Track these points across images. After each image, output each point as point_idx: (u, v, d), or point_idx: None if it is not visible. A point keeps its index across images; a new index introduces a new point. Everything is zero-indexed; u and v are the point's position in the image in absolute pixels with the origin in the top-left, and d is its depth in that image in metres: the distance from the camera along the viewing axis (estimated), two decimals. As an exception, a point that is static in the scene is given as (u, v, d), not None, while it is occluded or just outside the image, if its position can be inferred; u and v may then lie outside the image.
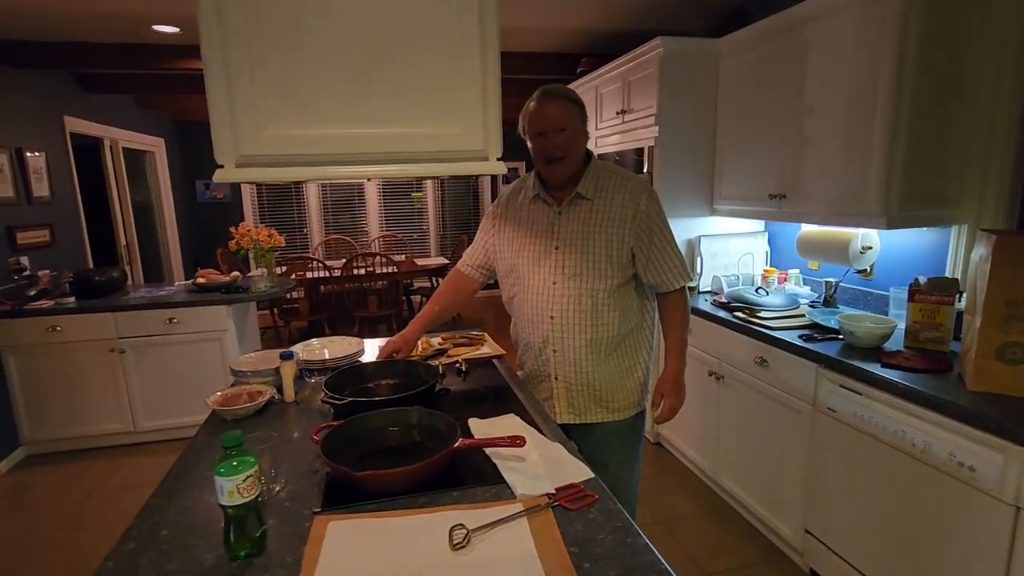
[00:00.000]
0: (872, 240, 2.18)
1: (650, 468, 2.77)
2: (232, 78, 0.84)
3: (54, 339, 3.05)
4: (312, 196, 6.59)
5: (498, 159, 0.98)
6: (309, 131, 0.88)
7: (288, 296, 4.89)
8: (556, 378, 1.55)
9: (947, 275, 1.97)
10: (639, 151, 2.87)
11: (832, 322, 2.02)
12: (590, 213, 1.48)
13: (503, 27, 3.32)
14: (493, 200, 6.73)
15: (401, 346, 1.66)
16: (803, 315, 2.18)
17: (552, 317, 1.51)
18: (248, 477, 0.87)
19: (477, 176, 1.07)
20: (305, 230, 6.65)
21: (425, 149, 0.93)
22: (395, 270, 4.88)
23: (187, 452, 1.27)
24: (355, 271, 4.81)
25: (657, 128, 2.67)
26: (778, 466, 2.07)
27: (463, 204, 6.98)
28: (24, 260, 3.26)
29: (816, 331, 2.02)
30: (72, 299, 3.18)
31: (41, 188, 3.49)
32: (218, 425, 1.41)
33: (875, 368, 1.67)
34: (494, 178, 6.78)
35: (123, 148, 4.76)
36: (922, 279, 1.79)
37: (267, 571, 0.85)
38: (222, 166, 0.86)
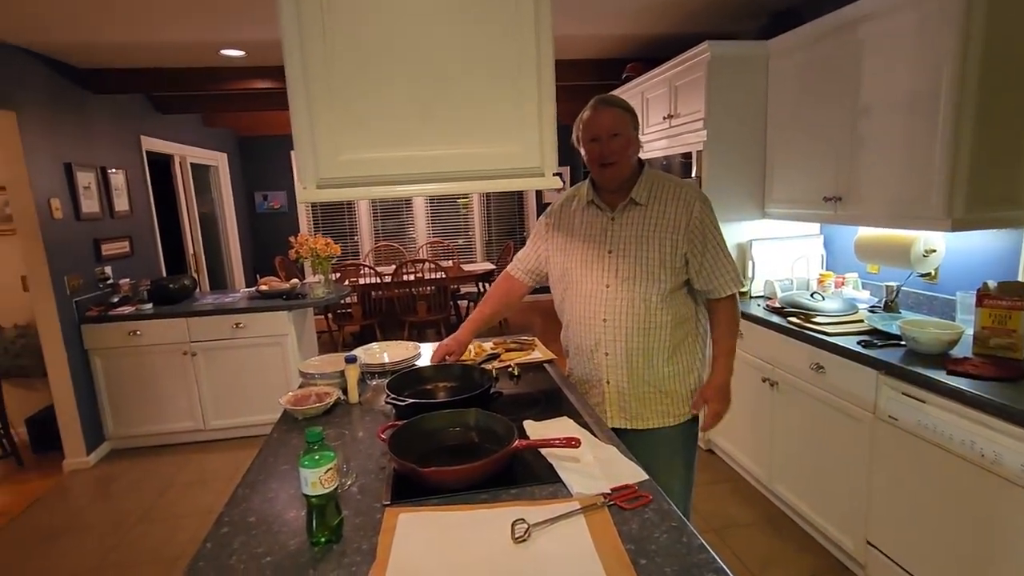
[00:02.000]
0: (936, 243, 2.10)
1: (701, 475, 2.75)
2: (313, 111, 0.93)
3: (134, 343, 3.30)
4: (363, 204, 6.82)
5: (554, 174, 1.03)
6: (380, 154, 0.96)
7: (342, 302, 5.10)
8: (608, 382, 1.58)
9: (1020, 279, 1.88)
10: (687, 155, 2.86)
11: (893, 328, 1.96)
12: (644, 219, 1.51)
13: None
14: (538, 206, 6.81)
15: (454, 348, 1.73)
16: (862, 320, 2.12)
17: (604, 320, 1.54)
18: (329, 469, 0.94)
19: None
20: (356, 237, 6.89)
21: (485, 167, 0.99)
22: (443, 276, 5.00)
23: (264, 448, 1.37)
24: (404, 277, 4.96)
25: (705, 132, 2.66)
26: (837, 475, 2.03)
27: (509, 210, 7.07)
28: (108, 270, 3.54)
29: (876, 337, 1.97)
30: (149, 305, 3.43)
31: (122, 203, 3.79)
32: (290, 423, 1.51)
33: (941, 375, 1.61)
34: (538, 184, 6.84)
35: (191, 163, 5.10)
36: (991, 283, 1.72)
37: (345, 556, 0.93)
38: (305, 188, 0.96)
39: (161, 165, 4.76)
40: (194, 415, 3.44)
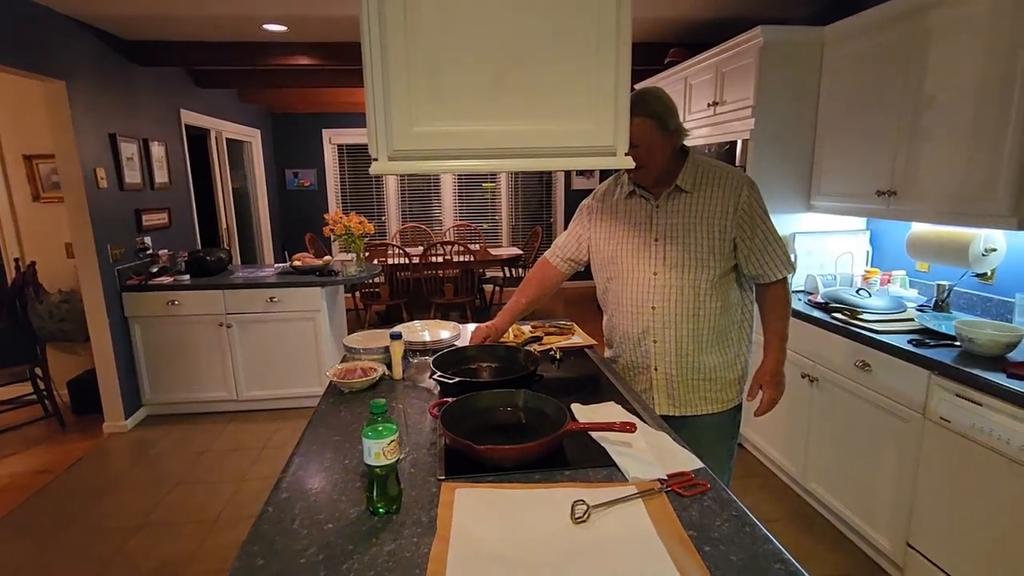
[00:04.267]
0: (996, 241, 2.02)
1: (730, 468, 2.72)
2: (389, 81, 0.91)
3: (172, 312, 3.37)
4: (391, 185, 6.84)
5: (625, 154, 1.01)
6: (454, 127, 0.94)
7: (370, 281, 5.13)
8: (656, 369, 1.57)
9: (1085, 282, 1.81)
10: (730, 144, 2.80)
11: (946, 328, 1.91)
12: (690, 205, 1.50)
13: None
14: (566, 192, 6.71)
15: (490, 334, 1.74)
16: (912, 319, 2.06)
17: (653, 308, 1.53)
18: (391, 441, 0.95)
19: (600, 168, 1.11)
20: (383, 218, 6.92)
21: (557, 144, 0.98)
22: (471, 259, 5.00)
23: (314, 419, 1.39)
24: (432, 258, 4.97)
25: (753, 120, 2.59)
26: (878, 474, 1.99)
27: (535, 196, 7.02)
28: (148, 240, 3.61)
29: (928, 336, 1.91)
30: (187, 277, 3.49)
31: (162, 175, 3.85)
32: (336, 396, 1.53)
33: (1000, 378, 1.56)
34: (568, 172, 6.78)
35: (226, 139, 5.15)
36: (1057, 285, 1.65)
37: (405, 527, 0.94)
38: (376, 159, 0.95)
39: (198, 140, 4.82)
40: (228, 386, 3.51)
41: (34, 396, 3.39)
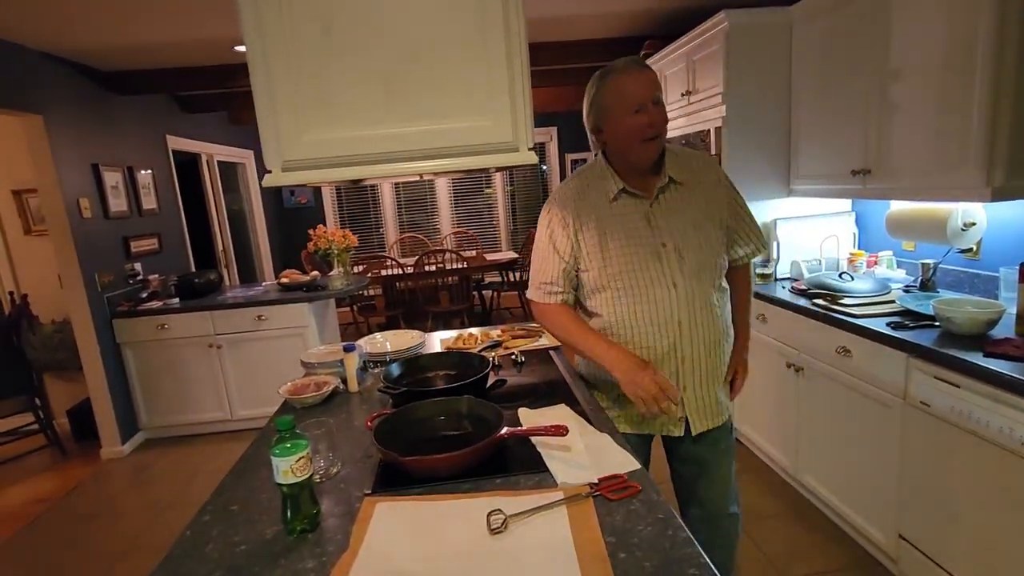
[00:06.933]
0: (975, 215, 1.94)
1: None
2: (274, 88, 0.89)
3: (163, 336, 3.40)
4: (387, 196, 6.86)
5: (529, 149, 0.97)
6: (344, 133, 0.91)
7: (365, 293, 5.14)
8: (684, 389, 1.34)
9: (1070, 251, 1.72)
10: (704, 133, 2.74)
11: (926, 308, 1.82)
12: (688, 199, 1.31)
13: (559, 16, 3.24)
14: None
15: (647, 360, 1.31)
16: (893, 301, 1.98)
17: (680, 323, 1.29)
18: (300, 458, 0.92)
19: (511, 167, 1.06)
20: (381, 229, 6.94)
21: (455, 143, 0.94)
22: (465, 266, 4.98)
23: (260, 437, 1.37)
24: (426, 268, 4.96)
25: (724, 107, 2.53)
26: (866, 465, 1.91)
27: (532, 197, 6.98)
28: (137, 266, 3.66)
29: (908, 318, 1.83)
30: (177, 300, 3.53)
31: (149, 201, 3.90)
32: (288, 413, 1.51)
33: (976, 358, 1.48)
34: (562, 169, 6.73)
35: (218, 162, 5.21)
36: (1036, 256, 1.57)
37: (318, 546, 0.91)
38: (270, 171, 0.93)
39: (190, 164, 4.88)
40: (222, 406, 3.53)
41: (36, 426, 3.44)
